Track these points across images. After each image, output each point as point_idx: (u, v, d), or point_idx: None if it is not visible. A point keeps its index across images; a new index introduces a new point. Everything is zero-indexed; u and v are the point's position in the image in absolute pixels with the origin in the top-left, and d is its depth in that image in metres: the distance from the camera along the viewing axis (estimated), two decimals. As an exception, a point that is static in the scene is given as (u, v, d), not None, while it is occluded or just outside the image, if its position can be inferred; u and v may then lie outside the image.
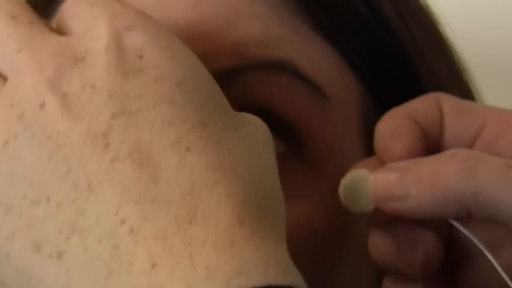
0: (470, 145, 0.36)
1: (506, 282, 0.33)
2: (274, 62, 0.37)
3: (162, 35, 0.30)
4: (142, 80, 0.28)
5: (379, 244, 0.35)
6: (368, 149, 0.40)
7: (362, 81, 0.40)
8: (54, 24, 0.33)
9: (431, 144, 0.36)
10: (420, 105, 0.37)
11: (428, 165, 0.34)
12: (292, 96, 0.37)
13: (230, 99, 0.36)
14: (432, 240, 0.35)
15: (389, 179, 0.34)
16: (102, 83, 0.28)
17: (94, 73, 0.28)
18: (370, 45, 0.40)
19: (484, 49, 0.55)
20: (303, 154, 0.37)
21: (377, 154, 0.36)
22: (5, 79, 0.29)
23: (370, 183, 0.35)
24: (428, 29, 0.45)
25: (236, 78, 0.36)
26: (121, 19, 0.29)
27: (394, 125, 0.36)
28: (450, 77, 0.44)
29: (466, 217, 0.34)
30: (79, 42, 0.29)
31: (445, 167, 0.33)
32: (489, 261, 0.33)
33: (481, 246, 0.34)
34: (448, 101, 0.37)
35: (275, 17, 0.38)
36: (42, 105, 0.28)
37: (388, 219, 0.35)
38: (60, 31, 0.32)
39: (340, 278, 0.38)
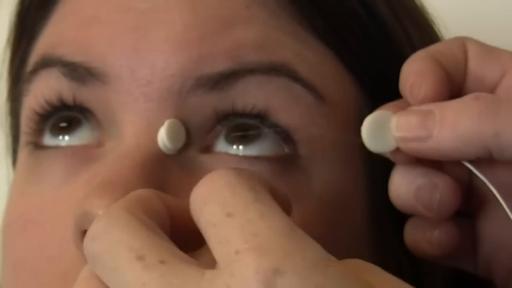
0: (492, 89, 0.36)
1: None
2: (271, 66, 0.37)
3: (314, 267, 0.26)
4: None
5: (399, 187, 0.36)
6: (365, 151, 0.40)
7: (359, 84, 0.40)
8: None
9: (454, 86, 0.37)
10: (446, 48, 0.37)
11: (451, 108, 0.34)
12: (289, 100, 0.37)
13: (227, 102, 0.36)
14: (449, 184, 0.36)
15: (411, 120, 0.35)
16: None
17: None
18: (367, 47, 0.40)
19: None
20: (300, 157, 0.37)
21: (403, 96, 0.37)
22: None
23: (392, 123, 0.35)
24: (424, 30, 0.45)
25: (233, 82, 0.36)
26: (266, 260, 0.26)
27: (420, 67, 0.36)
28: None
29: (488, 159, 0.34)
30: None
31: (468, 109, 0.34)
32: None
33: (493, 189, 0.35)
34: (473, 45, 0.37)
35: (272, 20, 0.38)
36: None
37: (409, 162, 0.36)
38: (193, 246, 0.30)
39: None
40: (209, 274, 0.26)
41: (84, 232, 0.34)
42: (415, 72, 0.36)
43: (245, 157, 0.36)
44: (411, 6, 0.44)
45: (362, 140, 0.36)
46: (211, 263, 0.27)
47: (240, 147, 0.37)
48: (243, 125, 0.37)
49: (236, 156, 0.37)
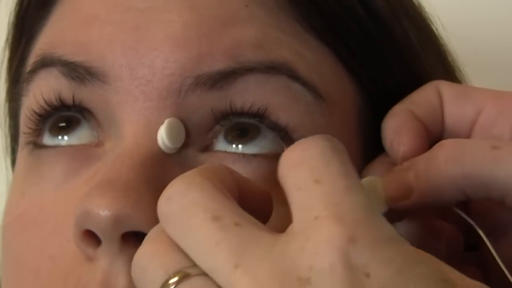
0: (470, 128, 0.38)
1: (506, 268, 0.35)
2: (270, 65, 0.37)
3: (386, 241, 0.27)
4: None
5: None
6: (364, 150, 0.40)
7: (358, 83, 0.40)
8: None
9: (434, 133, 0.38)
10: (421, 97, 0.39)
11: (422, 161, 0.36)
12: (288, 98, 0.37)
13: (226, 101, 0.37)
14: (450, 230, 0.37)
15: (394, 182, 0.36)
16: None
17: None
18: (366, 47, 0.40)
19: (477, 48, 0.55)
20: None
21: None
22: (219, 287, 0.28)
23: (379, 188, 0.36)
24: (422, 29, 0.45)
25: (232, 81, 0.36)
26: (344, 228, 0.27)
27: (397, 125, 0.38)
28: (444, 76, 0.44)
29: (466, 200, 0.35)
30: (300, 256, 0.27)
31: (436, 159, 0.35)
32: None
33: (480, 232, 0.36)
34: (447, 88, 0.39)
35: (271, 19, 0.38)
36: None
37: (409, 218, 0.37)
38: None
39: None
40: (284, 237, 0.28)
41: (84, 232, 0.34)
42: (392, 130, 0.38)
43: (244, 155, 0.37)
44: (409, 5, 0.45)
45: None
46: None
47: (239, 146, 0.37)
48: (242, 124, 0.37)
49: (235, 154, 0.37)
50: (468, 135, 0.38)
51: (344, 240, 0.27)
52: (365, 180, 0.37)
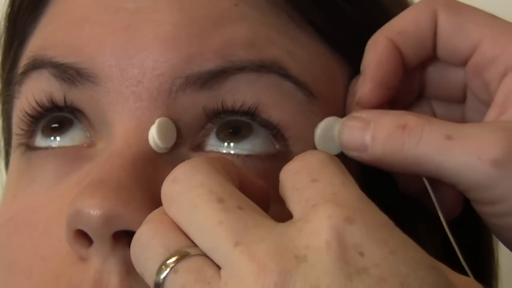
0: (462, 65, 0.38)
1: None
2: (261, 63, 0.37)
3: (380, 225, 0.28)
4: (366, 282, 0.27)
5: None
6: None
7: (351, 81, 0.40)
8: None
9: (419, 60, 0.39)
10: (412, 24, 0.39)
11: (383, 128, 0.36)
12: (279, 97, 0.37)
13: (217, 100, 0.37)
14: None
15: (351, 131, 0.37)
16: (326, 286, 0.27)
17: (317, 275, 0.27)
18: (361, 44, 0.40)
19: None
20: (292, 154, 0.37)
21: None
22: (217, 267, 0.29)
23: (335, 130, 0.38)
24: None
25: (223, 80, 0.36)
26: (340, 209, 0.28)
27: (369, 60, 0.38)
28: None
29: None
30: (298, 236, 0.28)
31: (394, 138, 0.36)
32: None
33: (438, 208, 0.38)
34: (444, 15, 0.38)
35: (261, 18, 0.38)
36: None
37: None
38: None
39: None
40: (284, 223, 0.29)
41: (76, 231, 0.34)
42: (363, 66, 0.39)
43: (237, 156, 0.37)
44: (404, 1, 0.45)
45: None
46: None
47: (232, 144, 0.37)
48: (235, 123, 0.37)
49: (228, 154, 0.37)
50: (460, 71, 0.39)
51: (340, 220, 0.28)
52: (327, 119, 0.38)
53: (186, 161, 0.31)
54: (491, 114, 0.37)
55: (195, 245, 0.29)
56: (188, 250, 0.29)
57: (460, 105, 0.40)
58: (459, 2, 0.39)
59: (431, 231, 0.42)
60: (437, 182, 0.38)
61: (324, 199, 0.29)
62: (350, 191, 0.30)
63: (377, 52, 0.38)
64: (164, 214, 0.31)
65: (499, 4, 0.38)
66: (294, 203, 0.30)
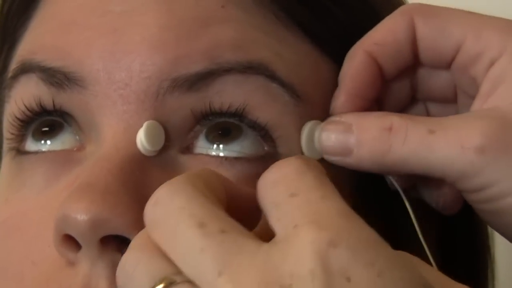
0: (448, 66, 0.38)
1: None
2: (248, 65, 0.37)
3: (366, 244, 0.27)
4: None
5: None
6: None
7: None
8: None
9: (398, 70, 0.39)
10: (389, 34, 0.39)
11: (368, 131, 0.36)
12: (266, 98, 0.37)
13: (205, 102, 0.37)
14: None
15: (331, 135, 0.37)
16: None
17: None
18: (349, 43, 0.40)
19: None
20: (280, 155, 0.37)
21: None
22: None
23: (316, 136, 0.38)
24: None
25: (210, 82, 0.36)
26: (323, 233, 0.27)
27: (345, 71, 0.39)
28: None
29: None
30: (282, 264, 0.27)
31: (380, 141, 0.36)
32: None
33: (405, 202, 0.38)
34: (421, 22, 0.38)
35: (249, 19, 0.38)
36: None
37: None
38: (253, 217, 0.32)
39: None
40: (266, 245, 0.28)
41: (64, 236, 0.34)
42: (340, 77, 0.39)
43: (226, 158, 0.37)
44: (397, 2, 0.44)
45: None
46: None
47: (221, 146, 0.37)
48: (224, 124, 0.37)
49: (217, 157, 0.37)
50: (446, 72, 0.39)
51: (324, 244, 0.27)
52: (311, 122, 0.38)
53: (167, 182, 0.30)
54: (476, 104, 0.37)
55: (181, 272, 0.29)
56: (174, 277, 0.28)
57: (454, 104, 0.40)
58: (434, 6, 0.39)
59: (426, 231, 0.42)
60: (435, 179, 0.38)
61: (306, 219, 0.28)
62: (332, 206, 0.29)
63: (353, 64, 0.38)
64: (148, 239, 0.30)
65: (499, 4, 0.38)
66: (274, 220, 0.29)
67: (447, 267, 0.44)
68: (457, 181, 0.35)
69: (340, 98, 0.38)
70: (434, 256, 0.42)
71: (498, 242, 0.50)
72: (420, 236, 0.38)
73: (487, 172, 0.34)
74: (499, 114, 0.35)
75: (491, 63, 0.36)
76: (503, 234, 0.37)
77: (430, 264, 0.37)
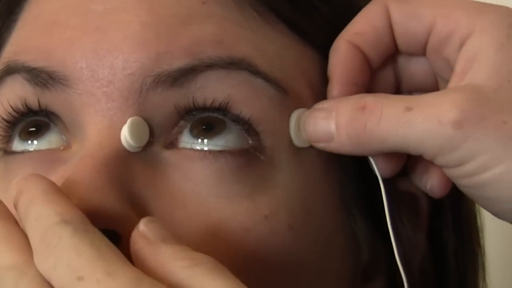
0: (423, 49, 0.39)
1: None
2: (230, 60, 0.37)
3: None
4: None
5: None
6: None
7: (325, 75, 0.40)
8: None
9: (383, 57, 0.40)
10: (366, 23, 0.39)
11: (344, 114, 0.37)
12: (250, 93, 0.37)
13: (188, 98, 0.37)
14: None
15: (315, 122, 0.38)
16: None
17: None
18: (334, 35, 0.40)
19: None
20: (265, 148, 0.37)
21: None
22: None
23: (301, 123, 0.38)
24: None
25: (192, 78, 0.37)
26: None
27: (332, 63, 0.39)
28: None
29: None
30: None
31: (356, 121, 0.36)
32: None
33: (381, 184, 0.39)
34: (395, 8, 0.39)
35: (229, 15, 0.38)
36: None
37: None
38: None
39: (306, 270, 0.38)
40: None
41: None
42: (329, 70, 0.39)
43: (210, 152, 0.37)
44: None
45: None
46: None
47: (205, 140, 0.37)
48: (208, 119, 0.37)
49: (201, 151, 0.37)
50: (423, 59, 0.40)
51: None
52: (296, 111, 0.38)
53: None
54: (452, 83, 0.37)
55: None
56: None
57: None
58: None
59: (415, 227, 0.42)
60: (421, 161, 0.39)
61: None
62: (119, 284, 0.29)
63: (339, 55, 0.39)
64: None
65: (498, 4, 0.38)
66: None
67: (437, 259, 0.45)
68: (436, 157, 0.36)
69: (335, 89, 0.39)
70: (425, 249, 0.43)
71: (488, 236, 0.50)
72: (389, 224, 0.38)
73: (465, 146, 0.34)
74: (475, 89, 0.35)
75: (462, 43, 0.37)
76: (486, 208, 0.37)
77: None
